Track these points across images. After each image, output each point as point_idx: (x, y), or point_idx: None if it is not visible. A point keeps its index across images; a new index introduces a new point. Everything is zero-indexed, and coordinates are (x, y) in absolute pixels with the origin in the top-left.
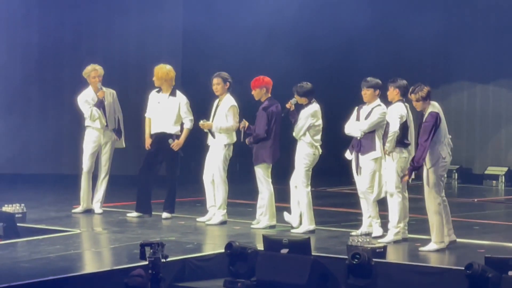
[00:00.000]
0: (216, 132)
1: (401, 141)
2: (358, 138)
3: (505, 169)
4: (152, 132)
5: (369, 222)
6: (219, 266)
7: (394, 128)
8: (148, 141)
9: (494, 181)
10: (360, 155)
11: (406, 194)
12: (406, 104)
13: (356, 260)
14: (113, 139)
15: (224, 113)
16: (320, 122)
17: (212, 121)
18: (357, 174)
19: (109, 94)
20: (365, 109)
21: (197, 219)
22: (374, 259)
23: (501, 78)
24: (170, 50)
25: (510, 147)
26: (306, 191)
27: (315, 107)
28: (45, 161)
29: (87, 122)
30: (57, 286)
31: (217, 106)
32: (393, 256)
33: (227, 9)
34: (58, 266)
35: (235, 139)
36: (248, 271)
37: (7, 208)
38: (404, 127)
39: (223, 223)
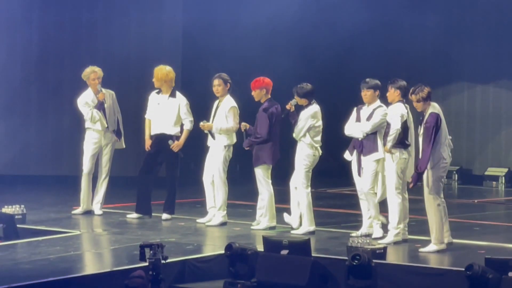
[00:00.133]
0: (216, 133)
1: (402, 142)
2: (360, 139)
3: (505, 170)
4: (152, 133)
5: (369, 223)
6: (219, 267)
7: (396, 126)
8: (148, 142)
9: (494, 182)
10: (362, 156)
11: (406, 195)
12: (407, 105)
13: (356, 261)
14: (114, 141)
15: (224, 114)
16: (320, 123)
17: (212, 122)
18: (359, 175)
19: (109, 96)
20: (365, 110)
21: (197, 220)
22: (374, 260)
23: (501, 79)
24: (170, 51)
25: (510, 148)
26: (306, 192)
27: (315, 108)
28: (45, 162)
29: (88, 124)
30: (57, 287)
31: (217, 107)
32: (393, 257)
33: (227, 10)
34: (58, 268)
35: (235, 140)
36: (248, 272)
37: (7, 209)
38: (404, 127)
39: (223, 224)
